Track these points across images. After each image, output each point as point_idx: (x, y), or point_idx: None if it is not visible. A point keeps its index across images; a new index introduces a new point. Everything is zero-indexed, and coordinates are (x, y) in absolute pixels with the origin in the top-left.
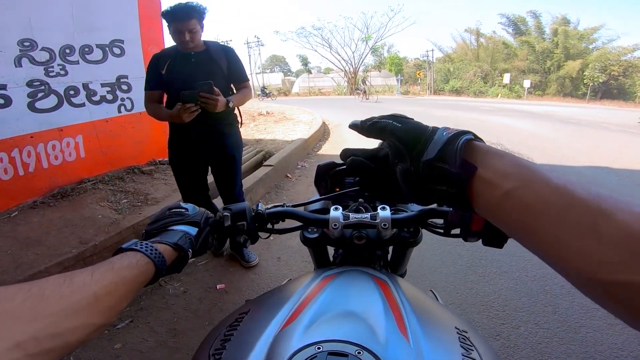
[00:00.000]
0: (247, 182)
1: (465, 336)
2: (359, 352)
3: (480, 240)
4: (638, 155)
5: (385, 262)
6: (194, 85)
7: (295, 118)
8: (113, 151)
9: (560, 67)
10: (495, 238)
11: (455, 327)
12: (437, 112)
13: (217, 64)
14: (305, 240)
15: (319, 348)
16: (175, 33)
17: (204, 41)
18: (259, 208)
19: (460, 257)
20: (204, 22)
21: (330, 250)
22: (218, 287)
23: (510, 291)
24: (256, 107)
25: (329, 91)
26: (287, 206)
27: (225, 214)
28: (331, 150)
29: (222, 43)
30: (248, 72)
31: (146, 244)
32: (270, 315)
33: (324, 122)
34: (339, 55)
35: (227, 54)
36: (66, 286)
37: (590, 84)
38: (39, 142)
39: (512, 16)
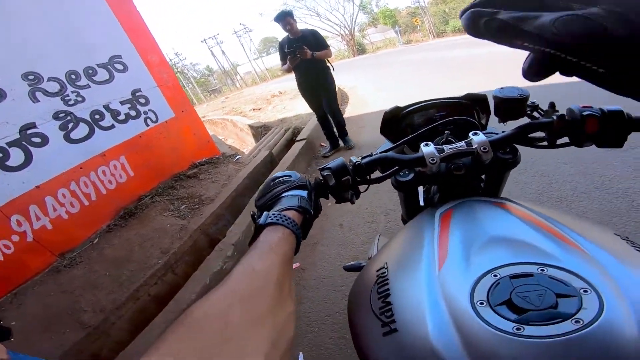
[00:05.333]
0: (287, 160)
1: (631, 241)
2: (541, 270)
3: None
4: None
5: (482, 190)
6: (294, 48)
7: None
8: (155, 163)
9: None
10: (614, 137)
11: (615, 234)
12: (449, 54)
13: (308, 42)
14: (399, 185)
15: (495, 275)
16: (283, 27)
17: (301, 30)
18: (355, 161)
19: (528, 185)
20: (296, 17)
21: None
22: (294, 267)
23: (595, 212)
24: (266, 90)
25: (332, 59)
26: (375, 154)
27: (326, 173)
28: (355, 111)
29: (311, 28)
30: (245, 61)
31: (278, 214)
32: (414, 262)
33: (338, 87)
34: (330, 21)
35: (313, 36)
36: (256, 282)
37: None
38: (90, 171)
39: None
